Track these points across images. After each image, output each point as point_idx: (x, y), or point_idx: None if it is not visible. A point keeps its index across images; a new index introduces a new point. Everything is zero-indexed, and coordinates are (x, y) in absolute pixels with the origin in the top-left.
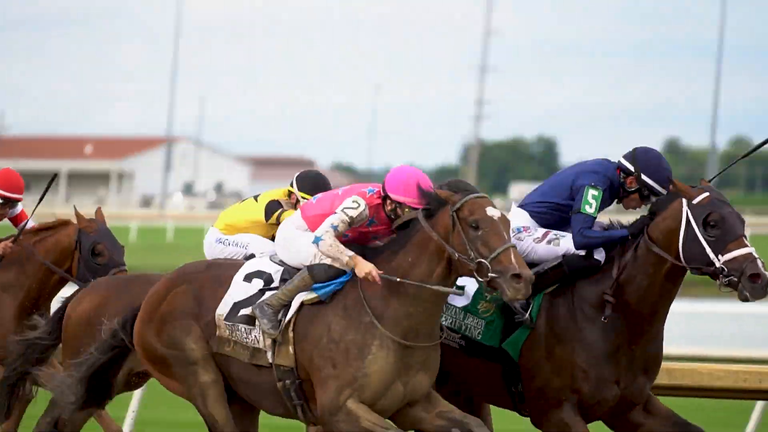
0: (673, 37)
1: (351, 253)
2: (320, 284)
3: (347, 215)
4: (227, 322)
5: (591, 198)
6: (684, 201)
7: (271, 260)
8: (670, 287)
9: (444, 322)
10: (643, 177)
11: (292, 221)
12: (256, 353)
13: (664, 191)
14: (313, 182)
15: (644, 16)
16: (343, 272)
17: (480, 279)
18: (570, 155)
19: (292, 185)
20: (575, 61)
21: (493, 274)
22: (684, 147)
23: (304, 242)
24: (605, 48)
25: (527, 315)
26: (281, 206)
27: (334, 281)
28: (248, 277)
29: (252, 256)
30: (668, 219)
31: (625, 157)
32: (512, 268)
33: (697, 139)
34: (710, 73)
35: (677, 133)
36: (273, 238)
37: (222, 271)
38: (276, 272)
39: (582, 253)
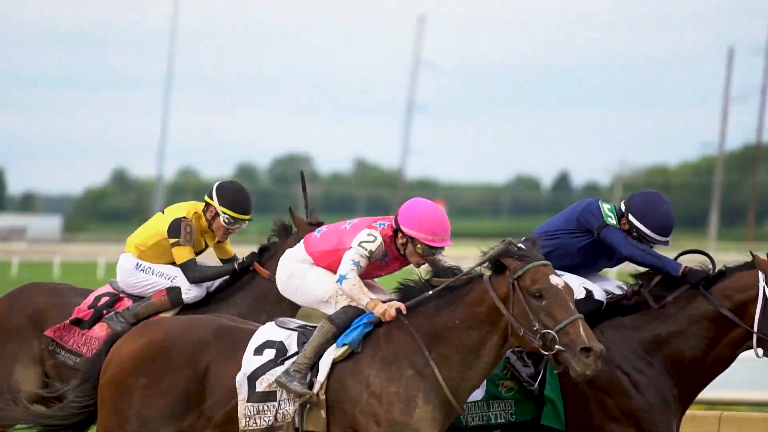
0: (101, 68)
1: (372, 296)
2: (345, 334)
3: (365, 249)
4: (250, 404)
5: (608, 211)
6: (761, 276)
7: (279, 327)
8: (731, 360)
9: (471, 423)
10: (630, 218)
11: (293, 256)
12: (283, 428)
13: (656, 236)
14: (235, 197)
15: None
16: (363, 311)
17: (544, 353)
18: (18, 184)
19: (210, 197)
20: (26, 90)
21: (560, 348)
22: (132, 177)
23: (313, 279)
24: (53, 78)
25: (536, 385)
26: (179, 236)
27: (359, 323)
28: (258, 350)
29: (177, 288)
30: (740, 291)
31: (624, 200)
32: (581, 341)
33: (145, 170)
34: (158, 105)
35: (125, 163)
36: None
37: (233, 342)
38: (288, 338)
39: (582, 295)
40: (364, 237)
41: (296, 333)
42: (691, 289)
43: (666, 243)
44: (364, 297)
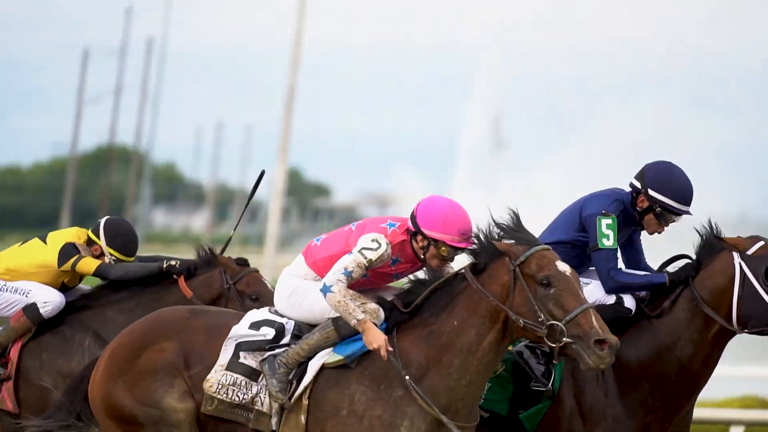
0: None
1: (362, 316)
2: (346, 343)
3: (365, 257)
4: (229, 373)
5: (606, 228)
6: (735, 254)
7: (273, 313)
8: (717, 354)
9: None
10: (651, 192)
11: (293, 273)
12: (259, 417)
13: (681, 207)
14: (125, 239)
15: None
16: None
17: (551, 345)
18: None
19: (97, 234)
20: None
21: (568, 339)
22: None
23: (316, 293)
24: None
25: (549, 385)
26: (78, 251)
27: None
28: (255, 325)
29: (33, 305)
30: (717, 275)
31: (636, 176)
32: (594, 332)
33: None
34: None
35: None
36: (64, 286)
37: (213, 319)
38: (287, 323)
39: (611, 300)
40: (367, 243)
41: (293, 322)
42: (684, 290)
43: (690, 213)
44: (352, 316)
